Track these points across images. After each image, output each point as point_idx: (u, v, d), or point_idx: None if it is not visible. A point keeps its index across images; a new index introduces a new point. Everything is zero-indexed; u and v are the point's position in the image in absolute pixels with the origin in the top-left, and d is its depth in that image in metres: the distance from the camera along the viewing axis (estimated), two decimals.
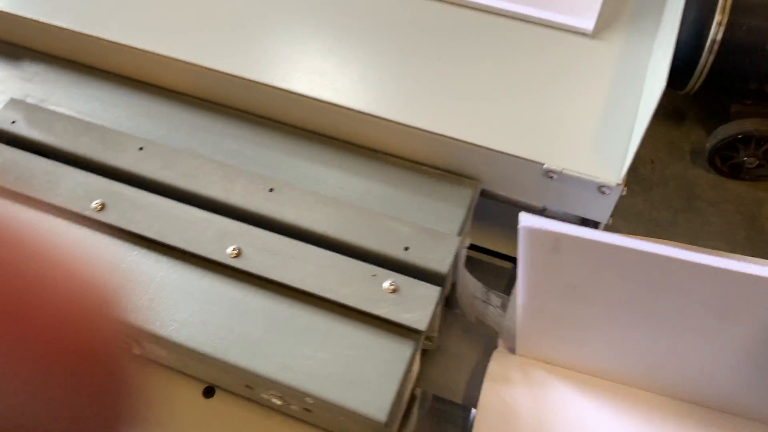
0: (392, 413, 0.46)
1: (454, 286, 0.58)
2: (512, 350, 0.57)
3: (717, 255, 0.42)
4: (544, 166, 0.52)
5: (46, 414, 0.18)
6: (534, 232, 0.44)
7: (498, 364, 0.56)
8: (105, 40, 0.60)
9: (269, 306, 0.50)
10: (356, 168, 0.57)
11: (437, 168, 0.58)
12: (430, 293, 0.49)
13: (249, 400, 0.53)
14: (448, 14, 0.62)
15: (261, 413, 0.53)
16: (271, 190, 0.54)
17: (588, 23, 0.61)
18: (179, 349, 0.48)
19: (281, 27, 0.62)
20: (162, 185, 0.54)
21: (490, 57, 0.59)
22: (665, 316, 0.48)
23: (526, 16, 0.62)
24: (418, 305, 0.49)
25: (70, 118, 0.57)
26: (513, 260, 0.64)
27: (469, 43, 0.60)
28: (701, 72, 1.51)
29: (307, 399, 0.47)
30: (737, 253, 0.64)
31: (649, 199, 1.56)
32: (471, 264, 0.61)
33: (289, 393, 0.48)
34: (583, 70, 0.58)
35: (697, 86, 1.54)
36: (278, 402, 0.51)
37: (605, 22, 0.62)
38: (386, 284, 0.49)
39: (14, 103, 0.58)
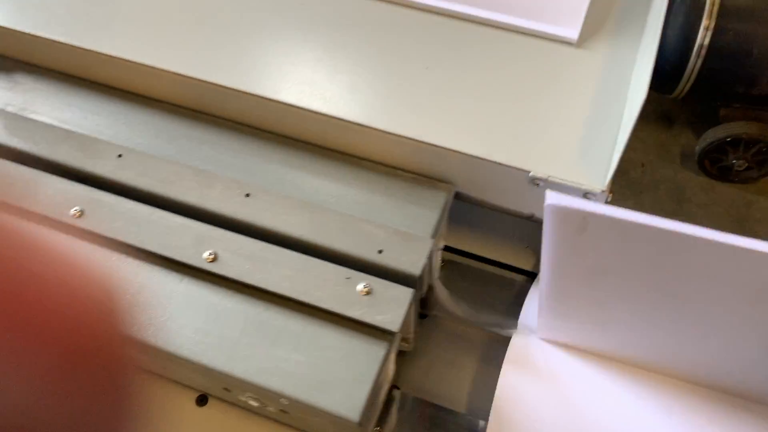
0: (365, 413, 0.47)
1: (431, 288, 0.60)
2: (532, 333, 0.57)
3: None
4: (530, 174, 0.53)
5: (47, 413, 0.18)
6: (560, 211, 0.42)
7: (518, 346, 0.55)
8: (86, 49, 0.61)
9: (245, 309, 0.50)
10: (332, 173, 0.58)
11: (416, 173, 0.58)
12: (403, 295, 0.50)
13: (242, 408, 0.54)
14: (435, 24, 0.63)
15: (254, 421, 0.54)
16: (247, 195, 0.55)
17: (573, 32, 0.62)
18: (156, 353, 0.49)
19: (262, 35, 0.63)
20: (140, 192, 0.55)
21: (477, 66, 0.60)
22: (694, 300, 0.46)
23: (512, 25, 0.63)
24: (391, 307, 0.50)
25: (50, 126, 0.58)
26: (522, 272, 0.64)
27: (457, 52, 0.61)
28: (690, 76, 1.52)
29: (282, 400, 0.48)
30: None
31: (639, 202, 1.57)
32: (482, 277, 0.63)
33: (264, 395, 0.49)
34: (568, 78, 0.59)
35: (686, 90, 1.55)
36: (255, 404, 0.52)
37: (589, 32, 0.63)
38: (360, 287, 0.50)
39: None
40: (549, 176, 0.53)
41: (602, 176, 0.53)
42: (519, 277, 0.64)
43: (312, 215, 0.54)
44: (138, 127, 0.60)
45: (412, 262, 0.52)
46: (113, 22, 0.63)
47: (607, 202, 0.54)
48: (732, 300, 0.45)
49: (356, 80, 0.59)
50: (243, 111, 0.60)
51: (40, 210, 0.51)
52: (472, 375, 0.59)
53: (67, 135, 0.57)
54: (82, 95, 0.62)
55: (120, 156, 0.56)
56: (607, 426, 0.52)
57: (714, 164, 1.59)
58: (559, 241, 0.45)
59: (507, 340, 0.60)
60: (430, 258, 0.53)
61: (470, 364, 0.60)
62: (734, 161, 1.56)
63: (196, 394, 0.55)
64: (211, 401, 0.55)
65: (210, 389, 0.54)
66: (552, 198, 0.42)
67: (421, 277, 0.52)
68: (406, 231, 0.53)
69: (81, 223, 0.52)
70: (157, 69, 0.59)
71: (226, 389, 0.52)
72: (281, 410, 0.51)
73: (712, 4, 1.47)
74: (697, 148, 1.59)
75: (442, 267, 0.63)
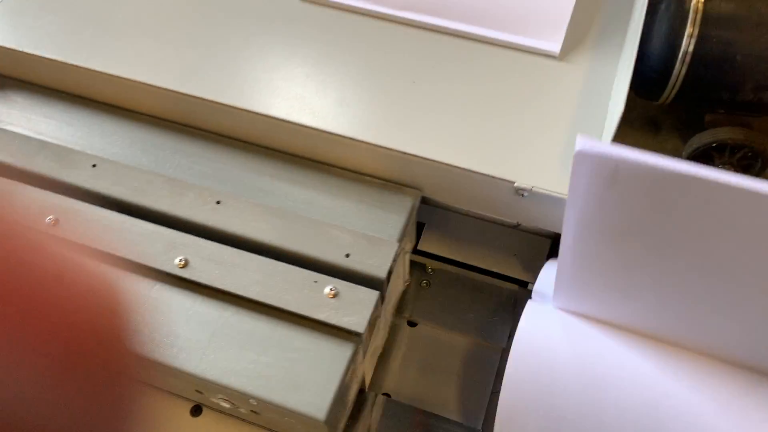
0: (332, 412, 0.48)
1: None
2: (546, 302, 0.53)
3: None
4: (515, 185, 0.54)
5: (46, 411, 0.18)
6: (590, 159, 0.38)
7: (532, 314, 0.52)
8: (65, 63, 0.62)
9: (215, 313, 0.52)
10: (302, 179, 0.59)
11: (392, 181, 0.60)
12: (369, 297, 0.51)
13: (236, 418, 0.55)
14: (422, 39, 0.65)
15: (248, 431, 0.55)
16: (218, 202, 0.56)
17: (554, 46, 0.63)
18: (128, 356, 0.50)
19: (245, 49, 0.65)
20: (114, 200, 0.56)
21: (462, 79, 0.61)
22: (734, 264, 0.41)
23: (496, 40, 0.64)
24: (357, 309, 0.51)
25: (25, 137, 0.59)
26: (510, 280, 0.66)
27: (443, 66, 0.63)
28: (675, 83, 1.53)
29: (251, 401, 0.49)
30: None
31: None
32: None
33: (235, 396, 0.50)
34: (550, 90, 0.61)
35: (671, 96, 1.56)
36: (227, 405, 0.53)
37: (571, 45, 0.64)
38: (327, 290, 0.52)
39: None
40: (533, 187, 0.54)
41: None
42: (507, 285, 0.65)
43: (281, 221, 0.55)
44: (112, 137, 0.61)
45: (378, 265, 0.53)
46: (89, 35, 0.65)
47: None
48: None
49: (345, 95, 0.61)
50: (221, 122, 0.62)
51: (16, 219, 0.53)
52: (462, 382, 0.60)
53: (43, 146, 0.58)
54: (58, 107, 0.64)
55: (94, 166, 0.57)
56: (626, 400, 0.48)
57: None
58: (587, 196, 0.41)
59: (497, 347, 0.61)
60: (395, 261, 0.54)
61: (460, 371, 0.61)
62: (720, 166, 1.57)
63: (191, 405, 0.56)
64: (205, 411, 0.56)
65: (183, 392, 0.55)
66: (582, 143, 0.38)
67: (385, 280, 0.53)
68: (372, 235, 0.55)
69: (55, 232, 0.53)
70: (141, 83, 0.61)
71: (198, 391, 0.53)
72: (252, 411, 0.52)
73: (696, 12, 1.48)
74: (684, 154, 1.59)
75: (431, 275, 0.65)
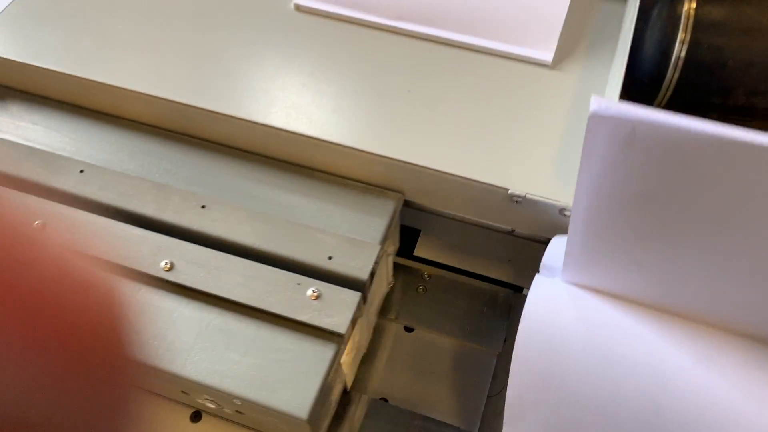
0: (314, 412, 0.49)
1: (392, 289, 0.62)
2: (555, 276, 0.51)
3: None
4: (509, 191, 0.55)
5: (46, 409, 0.18)
6: (605, 122, 0.36)
7: (540, 289, 0.50)
8: (56, 72, 0.63)
9: (200, 315, 0.53)
10: (286, 184, 0.60)
11: (375, 185, 0.61)
12: (351, 299, 0.52)
13: (237, 423, 0.56)
14: (417, 49, 0.66)
15: None
16: (203, 206, 0.57)
17: (547, 55, 0.64)
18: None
19: (238, 59, 0.66)
20: (101, 205, 0.57)
21: (457, 88, 0.62)
22: (762, 232, 0.38)
23: (490, 49, 0.65)
24: (338, 310, 0.52)
25: (13, 143, 0.61)
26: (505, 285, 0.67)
27: (438, 75, 0.64)
28: (668, 88, 1.54)
29: (235, 401, 0.50)
30: None
31: None
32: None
33: (219, 396, 0.51)
34: (543, 99, 0.62)
35: (664, 101, 1.57)
36: (212, 406, 0.54)
37: (563, 54, 0.65)
38: (310, 292, 0.53)
39: None
40: (526, 194, 0.55)
41: None
42: (502, 290, 0.66)
43: (265, 225, 0.56)
44: (99, 144, 0.62)
45: (360, 267, 0.54)
46: (87, 46, 0.66)
47: None
48: None
49: (341, 104, 0.62)
50: (215, 130, 0.63)
51: (3, 224, 0.54)
52: (459, 386, 0.61)
53: (31, 152, 0.60)
54: (46, 114, 0.65)
55: (82, 171, 0.59)
56: (641, 376, 0.45)
57: None
58: (601, 162, 0.39)
59: (493, 352, 0.62)
60: (378, 263, 0.55)
61: (456, 375, 0.62)
62: None
63: (190, 411, 0.57)
64: (205, 417, 0.57)
65: (168, 393, 0.56)
66: (598, 105, 0.36)
67: (367, 281, 0.54)
68: (355, 238, 0.56)
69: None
70: (137, 93, 0.62)
71: (184, 392, 0.54)
72: (237, 411, 0.53)
73: (687, 18, 1.49)
74: None
75: (427, 281, 0.66)
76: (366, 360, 0.62)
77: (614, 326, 0.47)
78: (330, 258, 0.55)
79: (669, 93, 1.60)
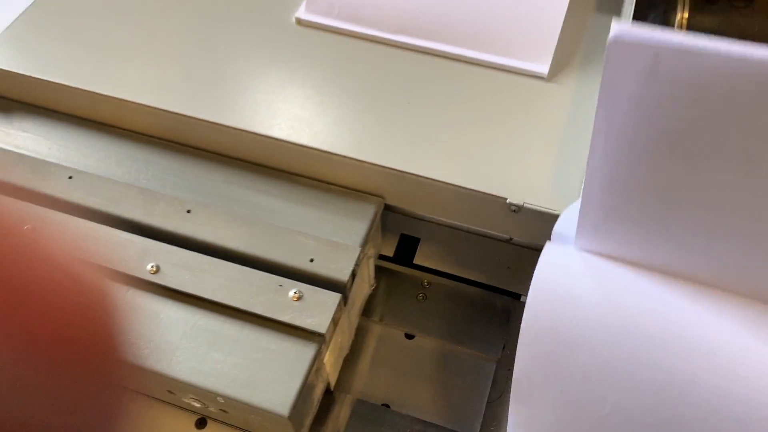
0: (296, 409, 0.51)
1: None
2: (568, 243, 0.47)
3: None
4: (507, 201, 0.57)
5: (41, 411, 0.18)
6: (626, 49, 0.32)
7: (551, 257, 0.46)
8: (50, 82, 0.65)
9: (185, 317, 0.54)
10: (270, 189, 0.62)
11: (360, 191, 0.63)
12: (331, 300, 0.54)
13: (240, 429, 0.58)
14: (416, 62, 0.67)
15: None
16: (188, 211, 0.59)
17: (543, 67, 0.66)
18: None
19: (231, 67, 0.67)
20: (89, 210, 0.59)
21: (456, 100, 0.64)
22: None
23: (487, 62, 0.67)
24: (319, 311, 0.54)
25: (3, 150, 0.62)
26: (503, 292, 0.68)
27: (437, 87, 0.65)
28: None
29: (219, 399, 0.52)
30: None
31: None
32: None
33: (203, 395, 0.53)
34: (539, 110, 0.63)
35: None
36: (197, 405, 0.55)
37: (559, 66, 0.67)
38: (291, 293, 0.54)
39: None
40: (524, 203, 0.57)
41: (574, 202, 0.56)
42: (501, 298, 0.67)
43: (248, 229, 0.58)
44: (88, 151, 0.64)
45: (341, 269, 0.56)
46: (83, 58, 0.67)
47: None
48: None
49: (342, 116, 0.63)
50: (209, 139, 0.64)
51: None
52: (459, 392, 0.62)
53: (20, 158, 0.61)
54: (36, 122, 0.66)
55: (71, 177, 0.60)
56: (660, 347, 0.41)
57: None
58: (621, 98, 0.34)
59: (492, 358, 0.63)
60: (358, 265, 0.57)
61: (456, 381, 0.63)
62: None
63: (195, 418, 0.58)
64: (210, 424, 0.58)
65: (155, 392, 0.57)
66: (620, 30, 0.32)
67: (348, 283, 0.56)
68: (336, 241, 0.58)
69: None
70: (138, 104, 0.64)
71: (170, 392, 0.55)
72: (221, 410, 0.55)
73: (680, 28, 1.52)
74: None
75: (427, 289, 0.68)
76: (372, 362, 0.64)
77: (637, 295, 0.42)
78: (311, 260, 0.57)
79: None
